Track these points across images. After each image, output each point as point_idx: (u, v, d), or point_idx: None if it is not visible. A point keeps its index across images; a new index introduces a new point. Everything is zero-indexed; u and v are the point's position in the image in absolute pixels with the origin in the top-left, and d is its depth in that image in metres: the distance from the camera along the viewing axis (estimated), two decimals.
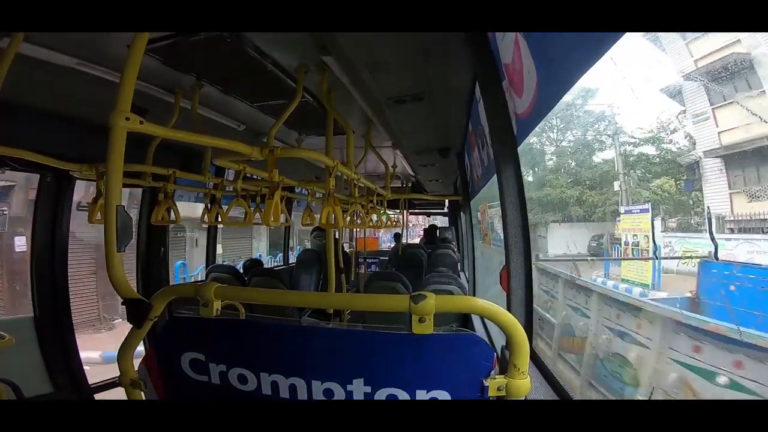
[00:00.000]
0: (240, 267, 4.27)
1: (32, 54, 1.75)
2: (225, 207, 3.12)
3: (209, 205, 3.07)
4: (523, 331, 0.85)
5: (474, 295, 4.16)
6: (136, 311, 0.98)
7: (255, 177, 2.91)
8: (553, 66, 1.09)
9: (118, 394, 1.11)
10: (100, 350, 6.77)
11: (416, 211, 8.98)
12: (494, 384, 0.88)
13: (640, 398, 5.42)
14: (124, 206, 1.00)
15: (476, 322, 2.65)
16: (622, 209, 15.68)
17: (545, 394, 1.39)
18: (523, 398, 0.89)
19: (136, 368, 1.08)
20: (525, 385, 0.88)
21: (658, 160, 19.46)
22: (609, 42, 0.86)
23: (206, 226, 3.82)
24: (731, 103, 13.48)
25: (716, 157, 14.15)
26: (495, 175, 1.60)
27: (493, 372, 0.89)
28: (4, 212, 7.45)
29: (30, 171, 2.56)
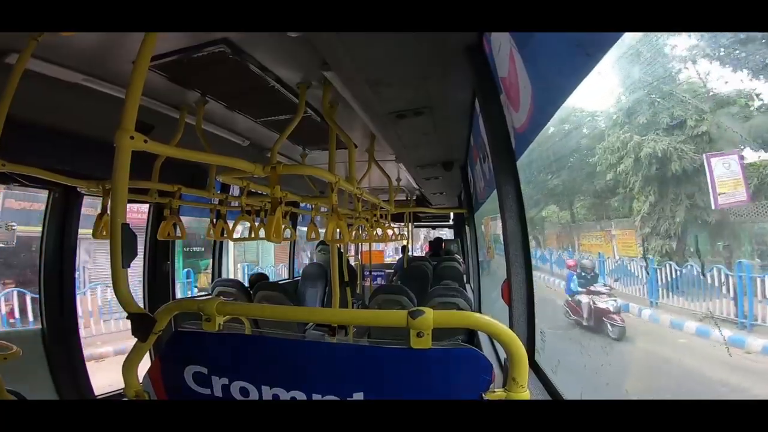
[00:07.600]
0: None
1: (40, 70, 1.79)
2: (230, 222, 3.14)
3: (215, 221, 3.10)
4: (521, 344, 0.85)
5: (480, 307, 4.13)
6: (140, 325, 1.00)
7: (260, 192, 2.93)
8: (546, 80, 1.11)
9: None
10: None
11: (421, 224, 8.98)
12: (493, 398, 0.88)
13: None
14: (129, 224, 1.02)
15: (482, 334, 2.63)
16: None
17: None
18: None
19: (140, 380, 1.09)
20: (524, 398, 0.88)
21: None
22: (598, 55, 0.87)
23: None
24: None
25: None
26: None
27: (492, 386, 0.90)
28: (14, 227, 7.53)
29: (38, 187, 2.61)
